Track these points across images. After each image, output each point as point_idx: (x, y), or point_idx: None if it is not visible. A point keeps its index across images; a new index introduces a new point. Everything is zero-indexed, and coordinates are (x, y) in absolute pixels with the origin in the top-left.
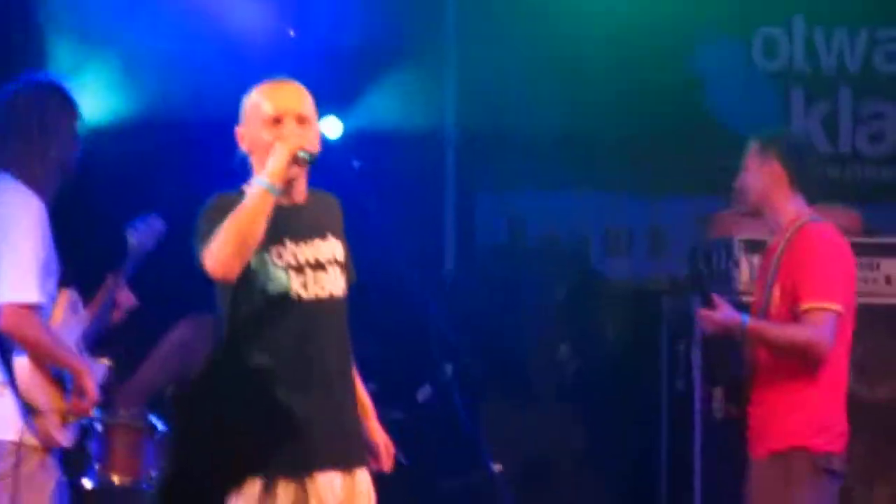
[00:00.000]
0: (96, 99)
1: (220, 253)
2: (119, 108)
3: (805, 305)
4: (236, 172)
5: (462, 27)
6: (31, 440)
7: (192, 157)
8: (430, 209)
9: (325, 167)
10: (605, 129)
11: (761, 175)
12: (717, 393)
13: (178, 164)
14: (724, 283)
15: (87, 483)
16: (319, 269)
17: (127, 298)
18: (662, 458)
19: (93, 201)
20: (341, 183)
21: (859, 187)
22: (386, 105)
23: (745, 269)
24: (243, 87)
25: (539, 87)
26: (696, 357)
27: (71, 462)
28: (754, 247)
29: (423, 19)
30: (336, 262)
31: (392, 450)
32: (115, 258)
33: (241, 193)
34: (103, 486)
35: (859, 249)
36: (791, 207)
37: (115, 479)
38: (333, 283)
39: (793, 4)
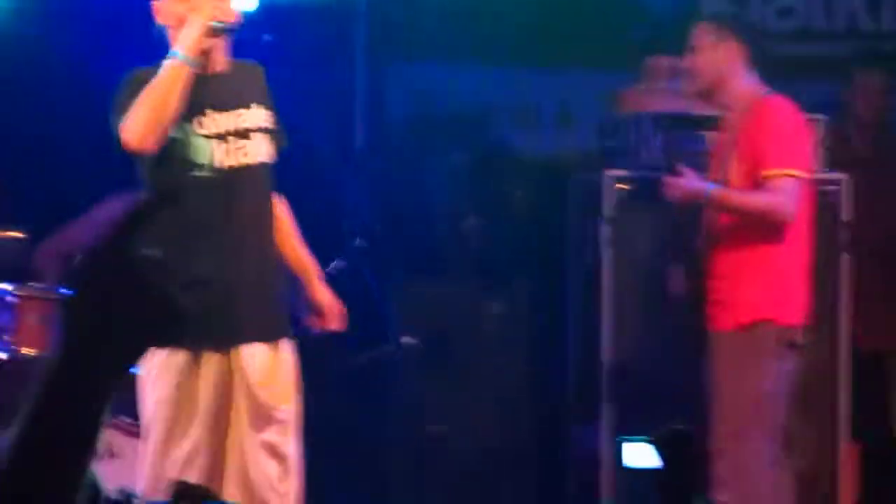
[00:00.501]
0: None
1: (135, 124)
2: None
3: (767, 172)
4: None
5: None
6: None
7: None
8: (341, 83)
9: (237, 41)
10: (512, 3)
11: (717, 54)
12: (677, 271)
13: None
14: (634, 158)
15: (1, 355)
16: (243, 137)
17: None
18: (569, 330)
19: None
20: (252, 57)
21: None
22: None
23: (654, 145)
24: None
25: None
26: (605, 231)
27: None
28: (663, 122)
29: None
30: (260, 129)
31: (340, 309)
32: None
33: (159, 67)
34: (14, 357)
35: None
36: (747, 84)
37: (26, 350)
38: (257, 151)
39: None
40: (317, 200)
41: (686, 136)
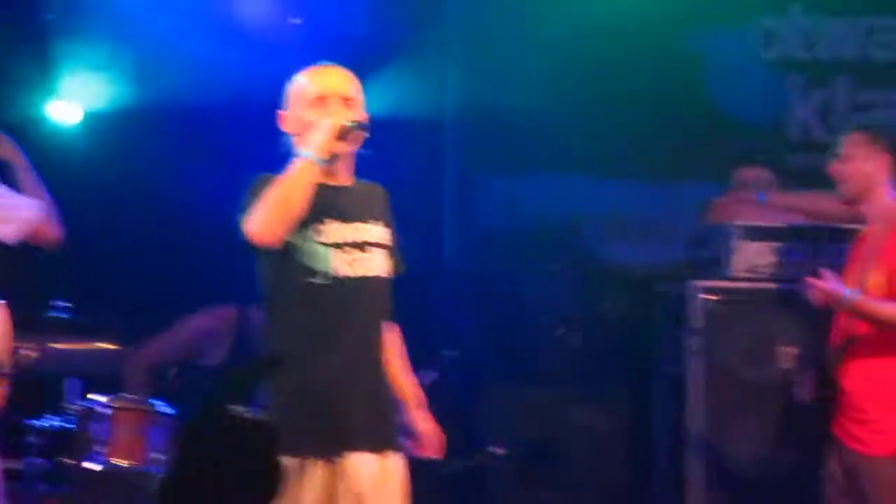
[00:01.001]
0: (108, 89)
1: (261, 217)
2: (130, 98)
3: None
4: (250, 157)
5: (464, 16)
6: None
7: (204, 144)
8: (431, 193)
9: None
10: (603, 115)
11: (868, 165)
12: (807, 375)
13: (190, 151)
14: (721, 268)
15: (94, 466)
16: (360, 250)
17: None
18: (659, 440)
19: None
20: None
21: None
22: (390, 92)
23: (743, 255)
24: (252, 76)
25: (539, 74)
26: (692, 341)
27: (71, 445)
28: (750, 233)
29: (426, 8)
30: (378, 245)
31: (440, 437)
32: None
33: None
34: (108, 469)
35: (853, 236)
36: (890, 196)
37: (120, 461)
38: (375, 265)
39: None
40: (408, 311)
41: (774, 247)
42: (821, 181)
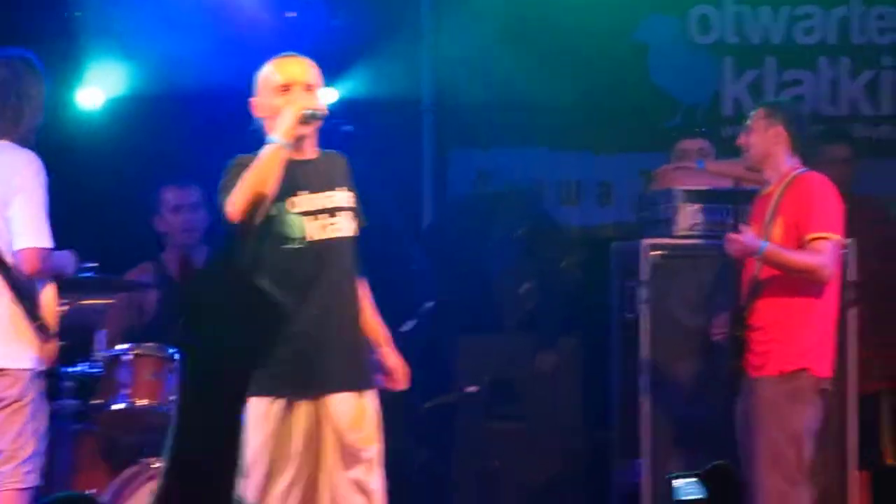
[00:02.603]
0: (127, 77)
1: (238, 199)
2: (146, 85)
3: (811, 235)
4: (240, 141)
5: (436, 10)
6: (41, 366)
7: (200, 128)
8: (410, 166)
9: (322, 130)
10: (560, 94)
11: (767, 136)
12: (720, 319)
13: (187, 135)
14: (666, 228)
15: (119, 406)
16: (330, 215)
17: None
18: (613, 378)
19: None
20: (334, 145)
21: None
22: (372, 77)
23: (684, 216)
24: (248, 65)
25: (503, 60)
26: (642, 292)
27: (99, 388)
28: (690, 196)
29: (402, 2)
30: (344, 208)
31: (405, 371)
32: None
33: (257, 154)
34: (131, 408)
35: None
36: (788, 163)
37: (142, 402)
38: (342, 227)
39: None
40: (391, 269)
41: (710, 208)
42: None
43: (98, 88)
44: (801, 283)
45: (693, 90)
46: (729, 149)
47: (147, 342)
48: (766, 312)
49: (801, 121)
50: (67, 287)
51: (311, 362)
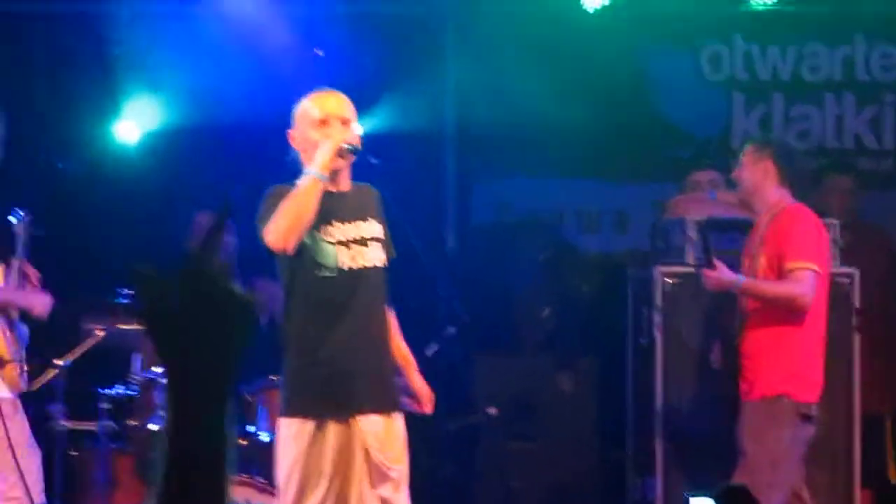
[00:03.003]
0: (161, 113)
1: (277, 228)
2: (180, 119)
3: (789, 265)
4: (268, 172)
5: (458, 45)
6: (5, 391)
7: (237, 160)
8: (434, 197)
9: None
10: (578, 127)
11: (755, 170)
12: (715, 347)
13: (225, 166)
14: (678, 256)
15: (154, 426)
16: (362, 245)
17: (33, 273)
18: (628, 398)
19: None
20: (361, 177)
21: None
22: (397, 110)
23: (695, 244)
24: (278, 98)
25: (524, 94)
26: (657, 317)
27: (136, 409)
28: (703, 226)
29: (425, 40)
30: (376, 239)
31: (430, 395)
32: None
33: (294, 185)
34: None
35: None
36: (777, 195)
37: None
38: (373, 257)
39: (733, 24)
40: (416, 296)
41: (722, 236)
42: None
43: (134, 122)
44: (783, 312)
45: (705, 124)
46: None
47: None
48: (753, 340)
49: (789, 155)
50: (104, 312)
51: (341, 385)
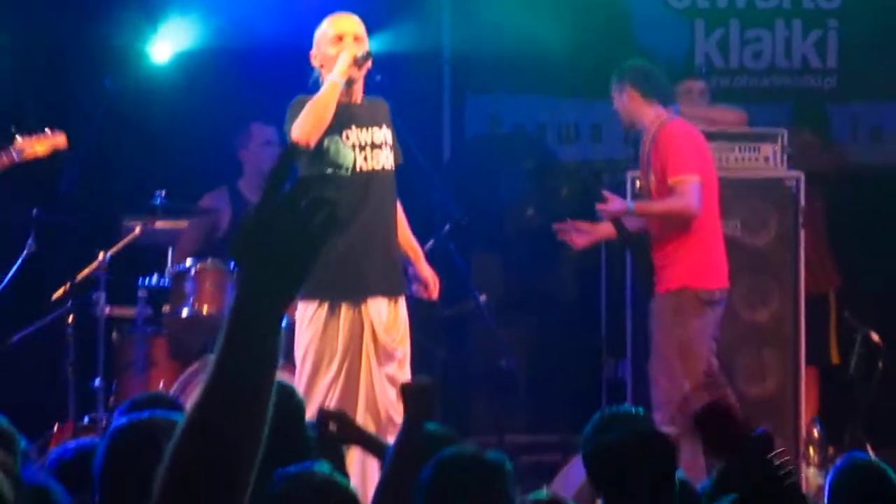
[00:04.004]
0: (194, 32)
1: (302, 124)
2: (206, 44)
3: (671, 181)
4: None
5: None
6: None
7: (264, 79)
8: (432, 111)
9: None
10: (560, 50)
11: (622, 99)
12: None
13: (252, 84)
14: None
15: (185, 312)
16: (375, 149)
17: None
18: (602, 289)
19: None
20: (368, 93)
21: (745, 93)
22: (399, 33)
23: None
24: (301, 23)
25: (512, 20)
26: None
27: (171, 298)
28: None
29: None
30: (387, 144)
31: (436, 282)
32: None
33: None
34: (195, 315)
35: (744, 137)
36: (651, 113)
37: (205, 308)
38: (385, 160)
39: None
40: (416, 198)
41: None
42: (720, 97)
43: (166, 42)
44: (676, 221)
45: (671, 47)
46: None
47: (214, 258)
48: (656, 245)
49: (644, 74)
50: (142, 212)
51: (353, 272)
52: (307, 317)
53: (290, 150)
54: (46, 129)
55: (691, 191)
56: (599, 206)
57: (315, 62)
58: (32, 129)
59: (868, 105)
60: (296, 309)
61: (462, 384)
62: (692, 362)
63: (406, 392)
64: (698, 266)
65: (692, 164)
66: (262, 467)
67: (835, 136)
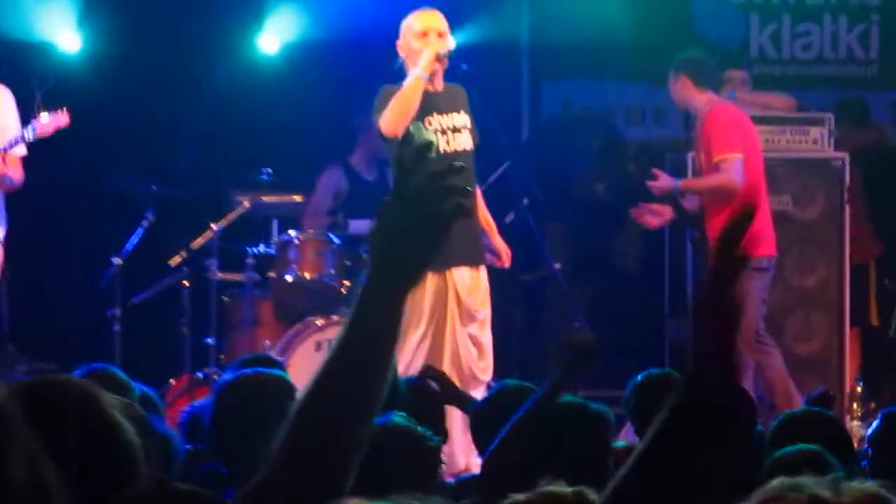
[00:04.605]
0: (298, 26)
1: (389, 117)
2: (310, 36)
3: (716, 158)
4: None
5: None
6: None
7: (358, 68)
8: (511, 96)
9: (446, 69)
10: (627, 38)
11: (677, 87)
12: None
13: (348, 73)
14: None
15: (289, 278)
16: (456, 132)
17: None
18: (665, 254)
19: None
20: (455, 80)
21: (795, 80)
22: (483, 26)
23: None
24: (391, 16)
25: (584, 11)
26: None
27: (276, 264)
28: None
29: None
30: (466, 128)
31: (509, 253)
32: None
33: (400, 85)
34: (298, 280)
35: (794, 121)
36: (703, 99)
37: (307, 274)
38: (464, 142)
39: None
40: (495, 173)
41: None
42: (772, 84)
43: (274, 34)
44: (722, 194)
45: (728, 38)
46: (756, 82)
47: (314, 230)
48: (709, 220)
49: (696, 64)
50: (250, 187)
51: None
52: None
53: (424, 146)
54: (51, 110)
55: (734, 167)
56: (650, 183)
57: (401, 52)
58: (39, 107)
59: None
60: None
61: (537, 343)
62: (744, 322)
63: (570, 351)
64: (748, 236)
65: (735, 143)
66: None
67: (875, 120)
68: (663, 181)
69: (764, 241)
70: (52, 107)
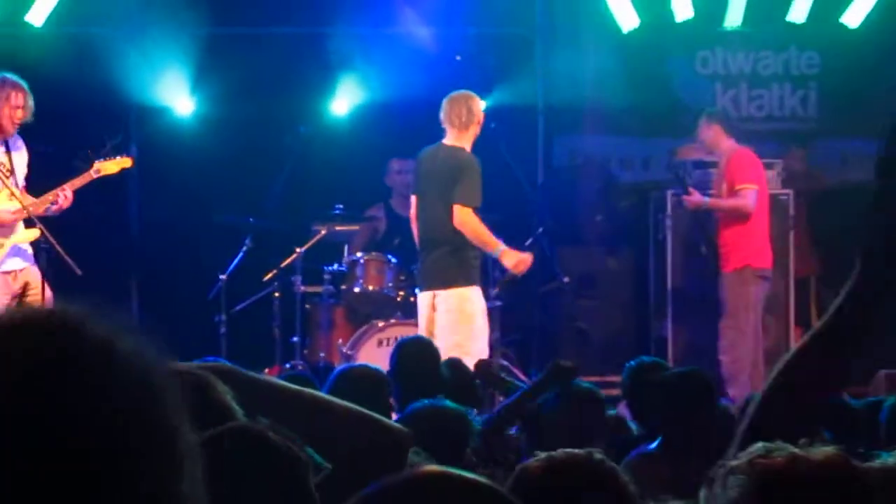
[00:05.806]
0: (365, 91)
1: (468, 232)
2: (375, 99)
3: (737, 187)
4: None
5: (545, 52)
6: None
7: (417, 128)
8: (530, 147)
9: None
10: (621, 103)
11: (710, 133)
12: (703, 242)
13: (411, 132)
14: (680, 184)
15: (357, 289)
16: None
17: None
18: (651, 273)
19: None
20: (486, 136)
21: (752, 134)
22: (508, 93)
23: (692, 176)
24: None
25: (587, 82)
26: (668, 223)
27: (347, 279)
28: (697, 164)
29: (526, 51)
30: None
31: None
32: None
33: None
34: (364, 291)
35: None
36: (728, 144)
37: (371, 287)
38: None
39: (715, 39)
40: (518, 208)
41: (705, 171)
42: (733, 137)
43: (344, 98)
44: (737, 215)
45: (699, 101)
46: None
47: (376, 252)
48: (723, 234)
49: (726, 116)
50: (326, 219)
51: (479, 264)
52: (475, 296)
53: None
54: (118, 156)
55: (750, 195)
56: (685, 197)
57: (473, 117)
58: (108, 155)
59: (839, 140)
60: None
61: (550, 338)
62: (753, 321)
63: (553, 368)
64: (756, 250)
65: (752, 178)
66: (406, 398)
67: (815, 163)
68: (696, 197)
69: (767, 254)
70: (145, 156)
